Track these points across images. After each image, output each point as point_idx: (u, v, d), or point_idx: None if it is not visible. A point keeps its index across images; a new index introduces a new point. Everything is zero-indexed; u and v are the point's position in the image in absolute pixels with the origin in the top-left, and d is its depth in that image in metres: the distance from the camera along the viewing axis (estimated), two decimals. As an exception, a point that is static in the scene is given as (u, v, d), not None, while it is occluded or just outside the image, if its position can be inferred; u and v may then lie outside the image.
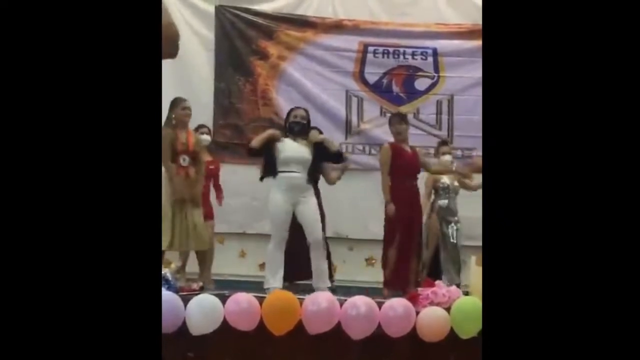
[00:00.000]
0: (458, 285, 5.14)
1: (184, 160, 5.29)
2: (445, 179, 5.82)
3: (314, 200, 5.30)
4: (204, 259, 5.52)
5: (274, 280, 5.19)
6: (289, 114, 5.50)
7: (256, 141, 5.33)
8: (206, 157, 5.70)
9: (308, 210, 5.21)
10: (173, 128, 5.32)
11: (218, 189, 6.01)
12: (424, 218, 5.75)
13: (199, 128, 5.78)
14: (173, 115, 5.34)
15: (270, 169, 5.25)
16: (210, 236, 5.61)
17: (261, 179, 5.33)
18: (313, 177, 5.36)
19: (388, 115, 6.82)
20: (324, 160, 5.47)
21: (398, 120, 5.67)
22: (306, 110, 5.56)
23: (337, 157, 5.49)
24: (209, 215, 5.64)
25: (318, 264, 5.25)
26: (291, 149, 5.26)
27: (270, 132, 5.37)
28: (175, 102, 5.39)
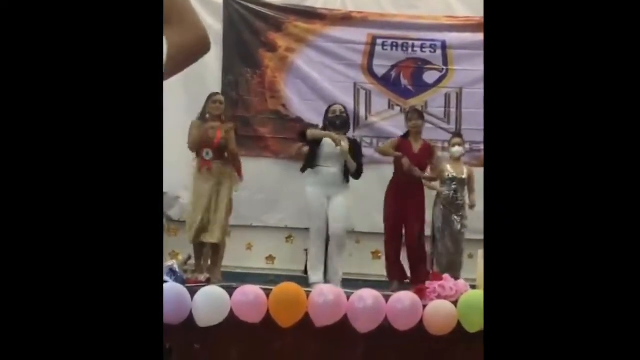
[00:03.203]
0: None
1: (207, 154, 5.32)
2: (452, 170, 5.79)
3: (347, 196, 5.42)
4: (215, 252, 5.50)
5: (316, 275, 5.28)
6: (327, 110, 5.74)
7: (311, 134, 5.53)
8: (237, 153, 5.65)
9: (338, 204, 5.39)
10: (204, 122, 5.39)
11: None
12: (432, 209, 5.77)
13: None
14: (208, 110, 5.43)
15: (311, 162, 5.36)
16: (224, 231, 5.53)
17: (302, 170, 5.53)
18: (348, 173, 5.52)
19: (397, 108, 6.83)
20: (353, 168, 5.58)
21: (417, 116, 5.82)
22: (344, 106, 5.82)
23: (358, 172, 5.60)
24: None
25: (333, 258, 5.32)
26: (331, 144, 5.36)
27: (331, 134, 5.47)
28: (209, 96, 5.50)
